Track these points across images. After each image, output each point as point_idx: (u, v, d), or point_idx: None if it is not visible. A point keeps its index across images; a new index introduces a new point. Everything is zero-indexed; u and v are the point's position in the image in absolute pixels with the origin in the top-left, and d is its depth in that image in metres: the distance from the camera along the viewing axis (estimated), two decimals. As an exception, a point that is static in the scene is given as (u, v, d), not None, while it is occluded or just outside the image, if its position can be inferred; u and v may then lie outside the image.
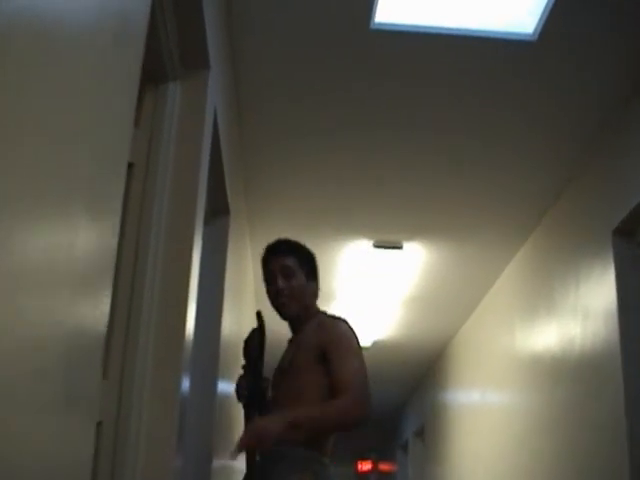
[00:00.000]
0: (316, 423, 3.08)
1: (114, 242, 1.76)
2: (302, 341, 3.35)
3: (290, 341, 3.53)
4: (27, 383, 1.19)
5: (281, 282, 3.39)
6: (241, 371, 3.47)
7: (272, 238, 6.57)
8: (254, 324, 3.48)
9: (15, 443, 1.15)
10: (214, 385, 4.13)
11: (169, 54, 2.95)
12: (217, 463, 4.39)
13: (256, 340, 3.37)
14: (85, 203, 1.47)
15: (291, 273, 3.40)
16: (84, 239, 1.48)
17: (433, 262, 6.91)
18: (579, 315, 5.08)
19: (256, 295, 7.77)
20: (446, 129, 4.87)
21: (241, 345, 3.47)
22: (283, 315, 3.49)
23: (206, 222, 3.64)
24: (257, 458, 3.24)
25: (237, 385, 3.43)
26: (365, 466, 18.61)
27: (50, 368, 1.31)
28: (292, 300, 3.42)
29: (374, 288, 7.58)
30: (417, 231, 6.30)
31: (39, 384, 1.25)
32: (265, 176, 5.56)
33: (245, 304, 6.31)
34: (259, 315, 3.43)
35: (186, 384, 2.95)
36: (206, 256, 3.69)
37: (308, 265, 3.48)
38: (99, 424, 2.35)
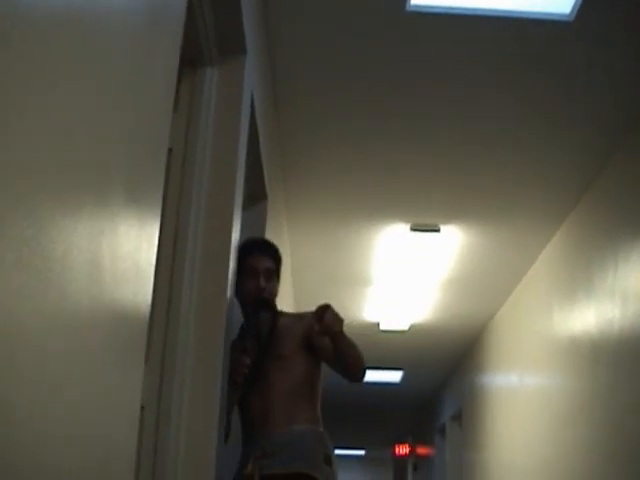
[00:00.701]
0: (352, 349, 3.38)
1: (155, 228, 1.76)
2: (278, 334, 3.49)
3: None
4: (75, 362, 1.19)
5: (263, 282, 3.53)
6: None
7: (309, 223, 6.63)
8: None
9: (62, 419, 1.16)
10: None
11: (206, 38, 2.95)
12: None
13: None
14: (126, 189, 1.48)
15: (271, 276, 3.60)
16: (125, 225, 1.48)
17: (470, 245, 6.88)
18: (618, 297, 5.04)
19: (292, 280, 7.79)
20: (482, 112, 4.84)
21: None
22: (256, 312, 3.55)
23: (244, 207, 3.65)
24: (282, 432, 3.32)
25: (237, 364, 3.27)
26: (402, 450, 18.63)
27: (97, 349, 1.31)
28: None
29: (411, 271, 7.56)
30: (454, 214, 6.27)
31: (85, 364, 1.26)
32: (302, 162, 5.56)
33: (281, 289, 6.30)
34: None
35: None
36: (244, 241, 3.69)
37: (279, 270, 3.71)
38: (141, 409, 2.37)
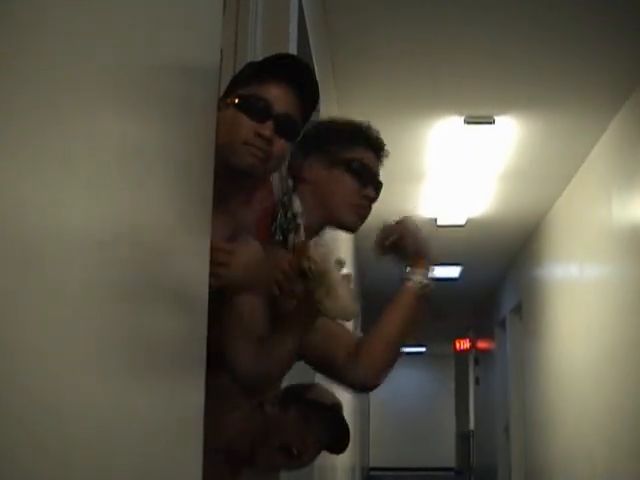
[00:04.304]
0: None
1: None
2: None
3: None
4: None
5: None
6: None
7: (360, 118, 6.56)
8: None
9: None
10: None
11: None
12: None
13: None
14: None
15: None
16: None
17: (526, 136, 6.79)
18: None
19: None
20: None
21: None
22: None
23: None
24: None
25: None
26: (463, 344, 18.77)
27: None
28: None
29: (466, 165, 7.50)
30: (509, 104, 6.17)
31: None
32: (353, 52, 5.49)
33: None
34: None
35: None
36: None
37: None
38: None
